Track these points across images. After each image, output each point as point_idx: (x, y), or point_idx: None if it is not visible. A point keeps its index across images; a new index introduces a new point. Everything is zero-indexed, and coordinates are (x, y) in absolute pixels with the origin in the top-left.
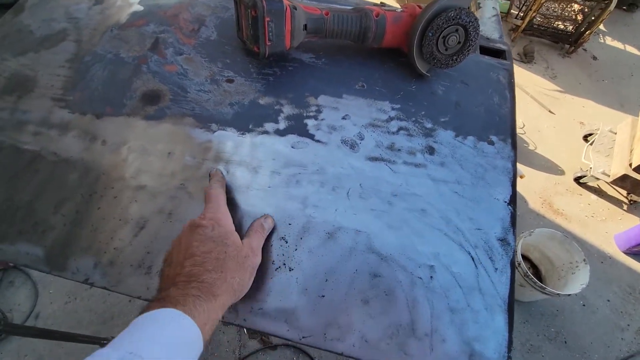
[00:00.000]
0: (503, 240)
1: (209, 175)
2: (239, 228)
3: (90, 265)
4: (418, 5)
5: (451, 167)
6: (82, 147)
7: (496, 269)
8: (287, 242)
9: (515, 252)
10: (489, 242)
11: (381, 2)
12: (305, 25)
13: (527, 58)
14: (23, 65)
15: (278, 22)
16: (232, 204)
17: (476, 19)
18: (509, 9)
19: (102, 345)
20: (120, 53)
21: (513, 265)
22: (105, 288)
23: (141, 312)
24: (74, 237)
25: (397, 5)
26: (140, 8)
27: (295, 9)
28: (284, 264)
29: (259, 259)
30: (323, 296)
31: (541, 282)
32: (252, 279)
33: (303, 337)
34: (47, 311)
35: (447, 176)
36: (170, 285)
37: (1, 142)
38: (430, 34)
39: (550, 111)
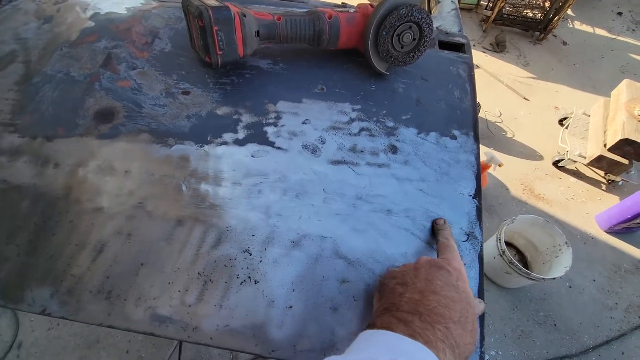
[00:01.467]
0: (470, 235)
1: (436, 224)
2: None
3: (47, 295)
4: (370, 5)
5: (415, 164)
6: (34, 172)
7: (465, 263)
8: (251, 255)
9: (482, 245)
10: (456, 238)
11: (342, 3)
12: (258, 32)
13: (499, 47)
14: None
15: (227, 30)
16: (192, 220)
17: (428, 14)
18: (479, 0)
19: None
20: (71, 72)
21: (481, 259)
22: (63, 318)
23: (378, 324)
24: (28, 267)
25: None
26: (91, 24)
27: (245, 16)
28: (249, 277)
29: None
30: (291, 307)
31: (527, 268)
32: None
33: (272, 351)
34: (29, 339)
35: (411, 174)
36: (413, 311)
37: None
38: (384, 33)
39: (525, 98)
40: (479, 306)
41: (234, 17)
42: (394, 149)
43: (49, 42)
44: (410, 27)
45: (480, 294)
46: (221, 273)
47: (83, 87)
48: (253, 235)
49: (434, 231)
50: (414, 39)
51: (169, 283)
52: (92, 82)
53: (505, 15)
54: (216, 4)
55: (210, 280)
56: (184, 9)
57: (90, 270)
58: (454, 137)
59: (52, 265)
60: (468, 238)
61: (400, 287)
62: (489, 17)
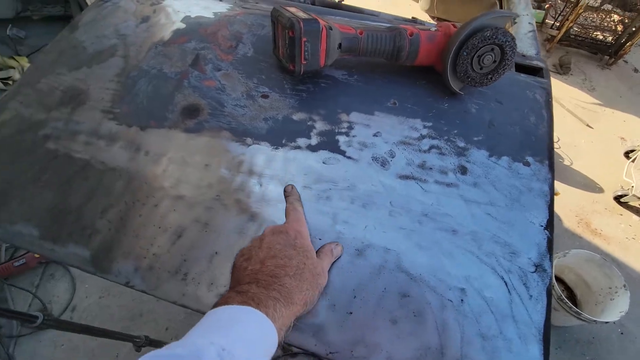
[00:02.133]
0: (539, 267)
1: (284, 191)
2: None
3: (131, 269)
4: (453, 25)
5: (484, 187)
6: (127, 157)
7: (531, 296)
8: None
9: (551, 278)
10: (523, 268)
11: (413, 18)
12: (340, 44)
13: (563, 69)
14: (77, 80)
15: (314, 42)
16: (262, 217)
17: (513, 38)
18: (544, 18)
19: (135, 343)
20: (164, 69)
21: (549, 293)
22: (143, 292)
23: (220, 302)
24: (117, 241)
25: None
26: (182, 25)
27: (331, 29)
28: None
29: (325, 281)
30: (351, 313)
31: (576, 306)
32: (319, 298)
33: (330, 353)
34: (82, 304)
35: (480, 197)
36: (252, 281)
37: (56, 150)
38: (465, 53)
39: (588, 125)
40: (336, 249)
41: (322, 30)
42: (463, 170)
43: (145, 40)
44: (492, 49)
45: (547, 332)
46: None
47: (173, 84)
48: (320, 239)
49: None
50: (495, 61)
51: None
52: (181, 80)
53: (573, 36)
54: (306, 16)
55: None
56: (273, 19)
57: (169, 252)
58: (527, 164)
59: (137, 243)
60: (536, 270)
61: (245, 262)
62: (554, 36)
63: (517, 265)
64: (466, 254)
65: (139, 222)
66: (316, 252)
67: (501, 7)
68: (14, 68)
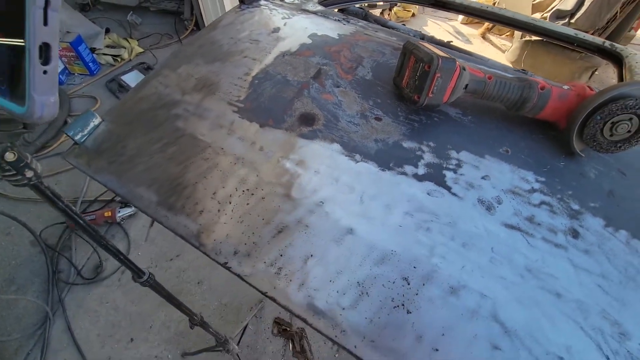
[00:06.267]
0: None
1: None
2: (367, 256)
3: (231, 252)
4: (589, 87)
5: (597, 257)
6: (244, 149)
7: None
8: (409, 284)
9: None
10: (633, 353)
11: (522, 69)
12: (467, 85)
13: None
14: (210, 72)
15: (445, 79)
16: (359, 232)
17: None
18: None
19: (192, 320)
20: (288, 76)
21: None
22: (239, 275)
23: None
24: (222, 223)
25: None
26: (309, 41)
27: (464, 70)
28: (403, 305)
29: None
30: (437, 350)
31: None
32: None
33: None
34: None
35: (591, 266)
36: None
37: (184, 129)
38: (599, 117)
39: None
40: None
41: (456, 69)
42: (575, 234)
43: (275, 48)
44: (630, 119)
45: None
46: (379, 290)
47: (294, 91)
48: (414, 267)
49: None
50: (629, 132)
51: (330, 281)
52: (302, 89)
53: None
54: (444, 54)
55: (367, 293)
56: (405, 50)
57: (269, 244)
58: None
59: (240, 228)
60: None
61: None
62: None
63: (626, 348)
64: (569, 322)
65: (245, 209)
66: None
67: (621, 77)
68: (124, 48)
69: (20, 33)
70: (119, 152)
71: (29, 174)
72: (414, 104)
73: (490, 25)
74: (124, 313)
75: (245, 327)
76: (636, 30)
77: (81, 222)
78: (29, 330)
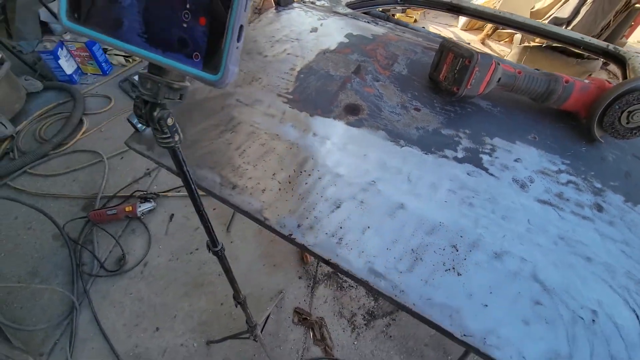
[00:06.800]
0: None
1: None
2: (421, 226)
3: (295, 225)
4: (607, 81)
5: (619, 228)
6: (298, 135)
7: None
8: (457, 251)
9: None
10: None
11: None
12: (499, 79)
13: None
14: (257, 67)
15: (483, 72)
16: (409, 207)
17: None
18: None
19: (236, 298)
20: (330, 71)
21: None
22: (303, 246)
23: None
24: (284, 200)
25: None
26: (346, 40)
27: (499, 65)
28: (453, 268)
29: None
30: (486, 305)
31: None
32: None
33: (464, 335)
34: (153, 262)
35: (615, 235)
36: None
37: (238, 118)
38: (617, 107)
39: None
40: None
41: (492, 64)
42: (599, 208)
43: (315, 46)
44: None
45: None
46: (431, 256)
47: (338, 84)
48: (461, 236)
49: None
50: None
51: (387, 249)
52: (345, 83)
53: None
54: (480, 50)
55: (420, 258)
56: (443, 48)
57: (328, 217)
58: None
59: (301, 205)
60: None
61: None
62: None
63: None
64: (599, 281)
65: (305, 188)
66: None
67: (624, 77)
68: None
69: (223, 17)
70: None
71: (176, 137)
72: (452, 95)
73: (490, 31)
74: (149, 304)
75: (268, 316)
76: (627, 38)
77: (194, 189)
78: (55, 320)
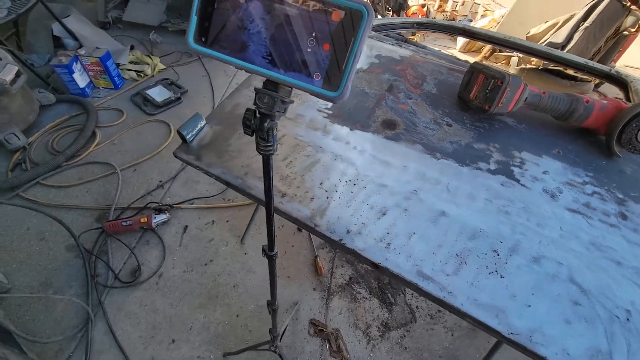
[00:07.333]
0: None
1: None
2: (460, 234)
3: (344, 231)
4: (624, 102)
5: None
6: (340, 147)
7: None
8: (498, 255)
9: None
10: None
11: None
12: (526, 98)
13: None
14: None
15: (513, 92)
16: (450, 215)
17: None
18: None
19: (273, 306)
20: (365, 89)
21: None
22: (353, 250)
23: None
24: (332, 207)
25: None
26: (376, 60)
27: (527, 86)
28: (496, 271)
29: None
30: (529, 306)
31: None
32: None
33: (511, 333)
34: (168, 274)
35: None
36: None
37: (282, 131)
38: (635, 125)
39: None
40: None
41: (521, 85)
42: (624, 216)
43: None
44: None
45: None
46: (474, 260)
47: (374, 101)
48: (501, 242)
49: None
50: None
51: (433, 253)
52: (380, 100)
53: None
54: (511, 73)
55: (465, 262)
56: (473, 69)
57: (375, 224)
58: None
59: (348, 212)
60: None
61: None
62: None
63: None
64: (630, 284)
65: (350, 197)
66: None
67: (627, 99)
68: (148, 64)
69: (345, 44)
70: (225, 149)
71: (275, 146)
72: (483, 112)
73: (488, 53)
74: (164, 315)
75: (285, 328)
76: (615, 62)
77: (272, 194)
78: (69, 332)
